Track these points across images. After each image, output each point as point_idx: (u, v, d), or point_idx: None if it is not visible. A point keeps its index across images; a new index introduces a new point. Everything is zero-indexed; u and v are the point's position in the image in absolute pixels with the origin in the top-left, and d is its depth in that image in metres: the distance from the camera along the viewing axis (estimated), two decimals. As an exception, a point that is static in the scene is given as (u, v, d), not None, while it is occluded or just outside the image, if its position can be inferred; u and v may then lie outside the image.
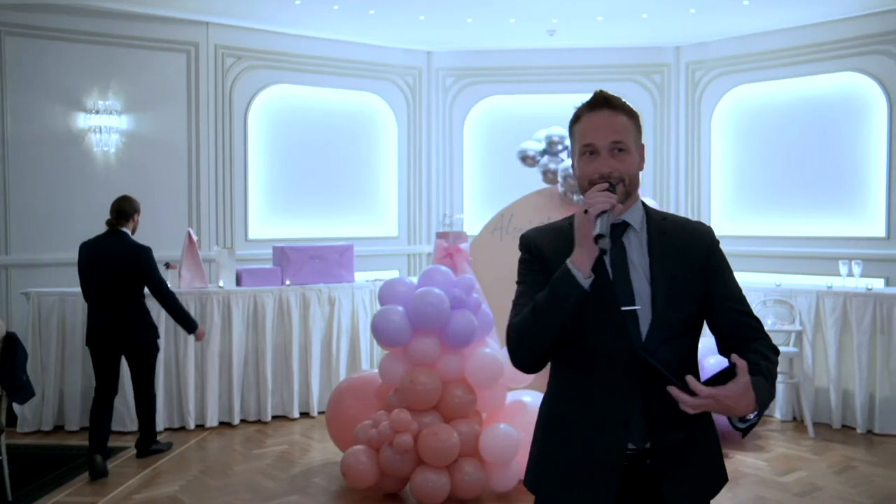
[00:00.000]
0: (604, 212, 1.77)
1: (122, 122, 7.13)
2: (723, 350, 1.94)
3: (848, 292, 6.00)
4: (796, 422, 6.20)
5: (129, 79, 7.16)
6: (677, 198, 8.41)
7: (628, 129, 1.92)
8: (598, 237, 1.76)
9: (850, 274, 6.14)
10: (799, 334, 6.08)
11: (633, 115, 1.95)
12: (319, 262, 6.65)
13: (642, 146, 1.99)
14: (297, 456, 5.50)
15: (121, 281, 5.08)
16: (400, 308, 4.66)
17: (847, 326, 6.00)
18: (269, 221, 7.96)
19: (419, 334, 4.59)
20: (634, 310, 1.86)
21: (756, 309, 6.08)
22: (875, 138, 7.22)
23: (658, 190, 8.45)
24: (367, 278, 7.07)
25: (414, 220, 8.71)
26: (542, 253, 1.94)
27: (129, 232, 5.24)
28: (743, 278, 7.15)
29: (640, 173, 1.98)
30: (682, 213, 8.33)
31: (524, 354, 1.89)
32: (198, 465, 5.26)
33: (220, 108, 7.57)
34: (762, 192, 7.88)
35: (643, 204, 2.00)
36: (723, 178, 8.18)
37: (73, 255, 5.24)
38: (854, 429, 5.97)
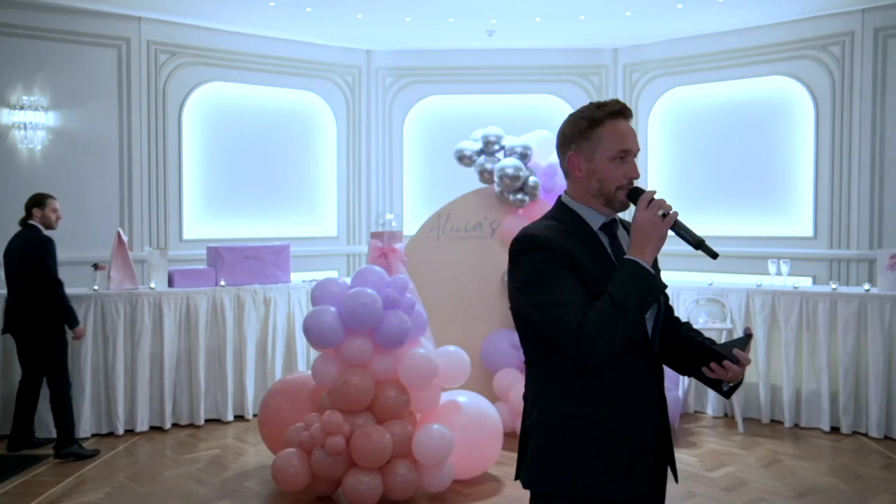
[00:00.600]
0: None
1: (48, 118, 6.91)
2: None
3: (776, 291, 6.15)
4: (727, 418, 6.33)
5: (57, 74, 6.95)
6: (615, 198, 8.50)
7: None
8: (701, 242, 1.98)
9: (779, 273, 6.29)
10: (730, 332, 6.20)
11: None
12: (255, 263, 6.55)
13: None
14: (230, 460, 5.40)
15: (25, 270, 5.34)
16: (332, 309, 4.61)
17: (775, 324, 6.15)
18: (204, 221, 7.81)
19: (352, 335, 4.55)
20: None
21: (689, 307, 6.22)
22: (803, 141, 7.42)
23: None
24: (304, 279, 6.99)
25: (353, 221, 8.65)
26: (566, 250, 1.96)
27: (38, 225, 5.47)
28: (678, 277, 7.33)
29: None
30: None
31: (609, 349, 1.89)
32: (125, 472, 5.12)
33: (154, 105, 7.40)
34: (697, 193, 8.04)
35: None
36: (660, 179, 8.31)
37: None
38: (782, 423, 6.12)
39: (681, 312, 6.41)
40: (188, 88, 7.60)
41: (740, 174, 7.75)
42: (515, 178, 5.79)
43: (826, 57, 7.21)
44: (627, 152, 2.03)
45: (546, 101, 8.51)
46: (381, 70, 8.66)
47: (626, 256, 1.95)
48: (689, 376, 2.25)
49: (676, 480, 2.21)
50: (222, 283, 6.39)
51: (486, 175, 5.98)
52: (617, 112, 2.04)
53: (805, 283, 7.10)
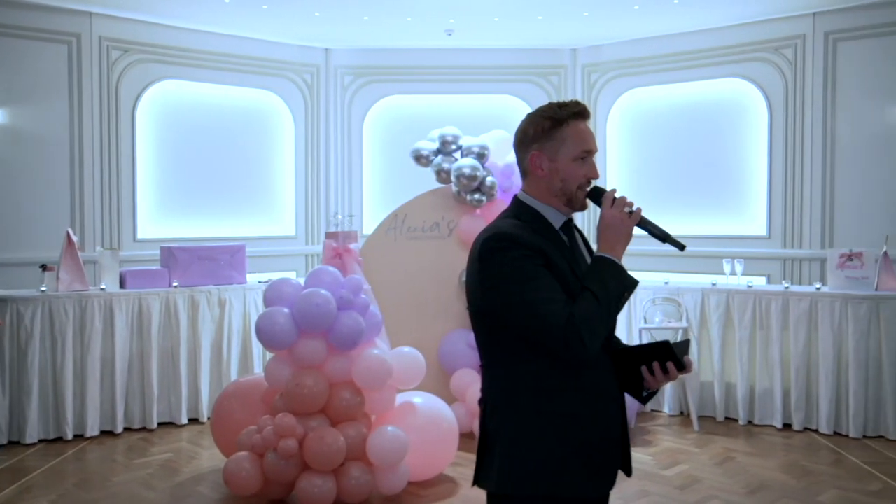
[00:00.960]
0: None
1: (-3, 115, 6.74)
2: None
3: (731, 290, 6.22)
4: (683, 416, 6.39)
5: (5, 70, 6.77)
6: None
7: None
8: (668, 236, 2.04)
9: (734, 272, 6.36)
10: (685, 331, 6.26)
11: None
12: (209, 263, 6.45)
13: None
14: (182, 464, 5.31)
15: None
16: (285, 310, 4.55)
17: (730, 322, 6.22)
18: (159, 221, 7.68)
19: (305, 336, 4.49)
20: None
21: (645, 307, 6.26)
22: (757, 142, 7.53)
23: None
24: (261, 279, 6.90)
25: (311, 220, 8.57)
26: (539, 247, 1.98)
27: None
28: (634, 277, 7.37)
29: None
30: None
31: (597, 345, 1.93)
32: (73, 478, 5.00)
33: (106, 102, 7.25)
34: (654, 193, 8.10)
35: None
36: (619, 179, 8.36)
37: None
38: (736, 420, 6.19)
39: (637, 312, 6.47)
40: (142, 86, 7.46)
41: (697, 175, 7.84)
42: (472, 177, 5.78)
43: (779, 59, 7.32)
44: (589, 152, 2.08)
45: (505, 101, 8.52)
46: (340, 69, 8.60)
47: (599, 254, 2.00)
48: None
49: (629, 474, 2.21)
50: (175, 284, 6.28)
51: (443, 175, 5.96)
52: (579, 113, 2.09)
53: (759, 282, 7.20)
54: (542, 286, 1.93)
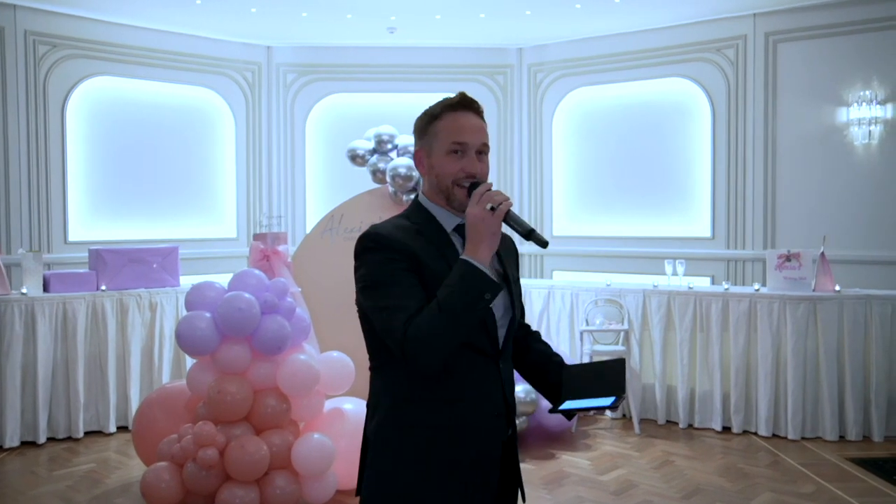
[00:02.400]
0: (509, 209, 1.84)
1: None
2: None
3: (672, 291, 6.17)
4: (625, 419, 6.33)
5: (-77, 64, 6.48)
6: (521, 198, 8.47)
7: (488, 140, 2.01)
8: (532, 231, 1.85)
9: (675, 273, 6.32)
10: (626, 333, 6.20)
11: (485, 123, 2.03)
12: (140, 266, 6.22)
13: None
14: (105, 475, 5.09)
15: None
16: (207, 314, 4.38)
17: (671, 324, 6.18)
18: (92, 223, 7.42)
19: (228, 341, 4.32)
20: (491, 307, 1.90)
21: (587, 309, 6.19)
22: (701, 142, 7.52)
23: (502, 190, 8.46)
24: (195, 282, 6.67)
25: (253, 221, 8.36)
26: (410, 250, 1.85)
27: None
28: (576, 278, 7.32)
29: None
30: (525, 214, 8.41)
31: (435, 358, 1.78)
32: (-14, 491, 4.77)
33: (33, 99, 6.97)
34: (599, 194, 8.06)
35: None
36: (564, 179, 8.30)
37: None
38: (677, 424, 6.15)
39: (578, 314, 6.39)
40: (72, 83, 7.19)
41: (641, 175, 7.81)
42: (408, 177, 5.65)
43: (721, 60, 7.32)
44: (462, 145, 1.94)
45: (452, 100, 8.39)
46: (283, 67, 8.41)
47: (461, 257, 1.83)
48: (532, 386, 2.16)
49: (524, 500, 2.10)
50: (103, 287, 6.05)
51: (378, 175, 5.82)
52: (456, 104, 1.97)
53: (704, 283, 7.19)
54: (396, 293, 1.82)
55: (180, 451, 4.23)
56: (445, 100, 1.99)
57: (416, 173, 5.68)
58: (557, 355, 2.12)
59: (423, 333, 1.75)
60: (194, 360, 6.31)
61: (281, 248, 5.07)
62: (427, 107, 2.04)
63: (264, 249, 5.09)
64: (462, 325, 1.78)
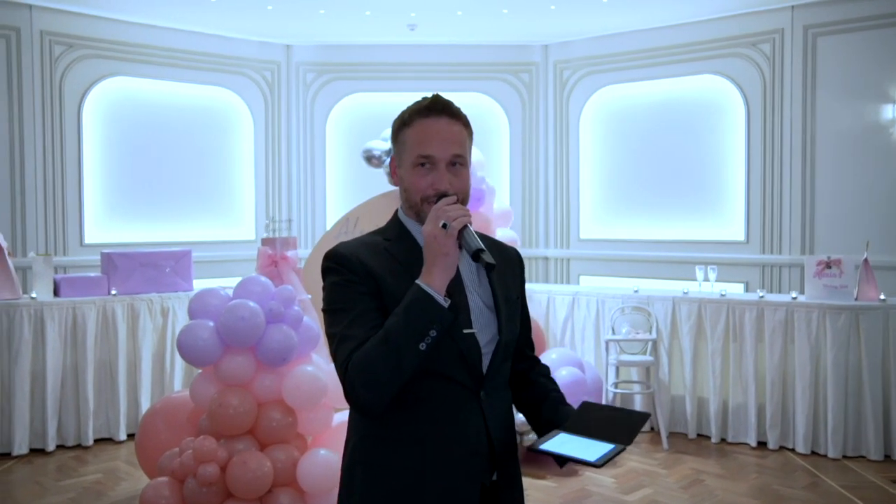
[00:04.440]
0: (465, 226, 1.61)
1: (-73, 113, 6.37)
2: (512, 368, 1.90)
3: (703, 298, 5.86)
4: (654, 433, 6.02)
5: (-63, 65, 6.41)
6: (546, 200, 8.20)
7: (466, 141, 1.76)
8: (479, 252, 1.59)
9: (706, 279, 6.01)
10: (654, 343, 5.90)
11: (468, 126, 1.79)
12: (151, 270, 6.07)
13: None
14: (109, 486, 4.94)
15: None
16: (209, 323, 4.18)
17: (702, 333, 5.86)
18: (109, 226, 7.31)
19: (231, 352, 4.13)
20: (473, 332, 1.70)
21: (613, 316, 5.91)
22: (735, 142, 7.18)
23: (527, 192, 8.22)
24: (210, 286, 6.52)
25: (290, 226, 8.19)
26: (370, 272, 1.64)
27: None
28: (602, 284, 7.02)
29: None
30: (550, 217, 8.15)
31: (376, 396, 1.58)
32: (-13, 503, 4.64)
33: (49, 100, 6.88)
34: (627, 195, 7.76)
35: None
36: (591, 180, 8.02)
37: None
38: (709, 438, 5.84)
39: (604, 322, 6.11)
40: (88, 83, 7.09)
41: (671, 176, 7.49)
42: (425, 179, 5.41)
43: (756, 55, 6.98)
44: (429, 158, 1.70)
45: (476, 99, 8.17)
46: (302, 66, 8.24)
47: (416, 280, 1.60)
48: (527, 421, 1.92)
49: None
50: (114, 291, 5.91)
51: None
52: (425, 109, 1.72)
53: (737, 289, 6.86)
54: (346, 321, 1.62)
55: (180, 467, 4.04)
56: (417, 103, 1.76)
57: (433, 175, 5.45)
58: (558, 391, 1.89)
59: (363, 367, 1.56)
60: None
61: (290, 253, 4.87)
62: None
63: (272, 255, 4.90)
64: (407, 359, 1.56)
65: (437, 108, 1.72)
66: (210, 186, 7.89)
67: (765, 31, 6.93)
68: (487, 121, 8.17)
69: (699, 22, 7.20)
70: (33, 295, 5.70)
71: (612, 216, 7.87)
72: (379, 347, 1.56)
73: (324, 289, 1.72)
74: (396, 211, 1.83)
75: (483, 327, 1.72)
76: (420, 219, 1.72)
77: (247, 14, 7.03)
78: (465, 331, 1.69)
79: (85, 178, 7.14)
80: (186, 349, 4.18)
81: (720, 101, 7.25)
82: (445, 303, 1.58)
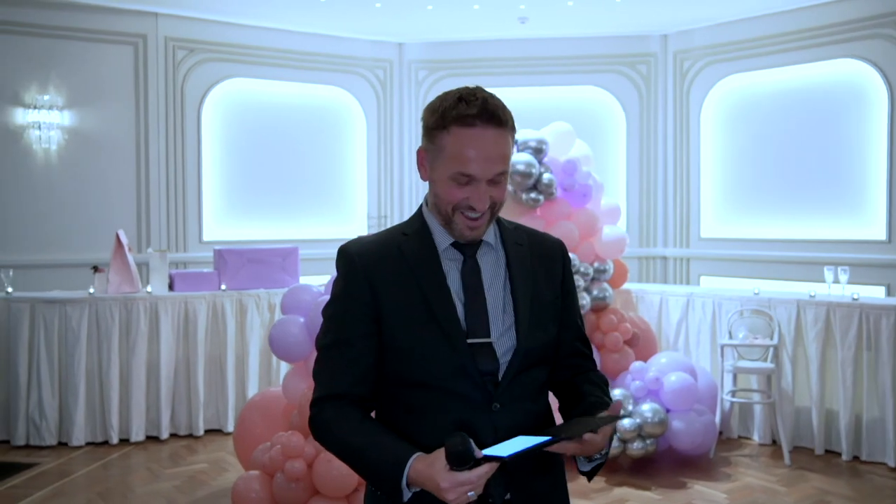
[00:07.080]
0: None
1: (63, 117, 6.79)
2: (553, 376, 1.73)
3: (832, 302, 5.35)
4: (774, 446, 5.56)
5: (72, 72, 6.83)
6: (665, 197, 7.81)
7: (511, 150, 1.59)
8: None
9: (836, 281, 5.50)
10: (776, 349, 5.44)
11: (514, 128, 1.59)
12: (259, 266, 6.21)
13: None
14: (211, 476, 5.06)
15: None
16: (301, 319, 4.21)
17: (830, 340, 5.35)
18: (226, 223, 7.57)
19: (320, 347, 4.12)
20: (481, 342, 1.56)
21: (731, 320, 5.51)
22: (874, 131, 6.55)
23: (644, 189, 7.85)
24: (320, 283, 6.61)
25: (386, 222, 8.25)
26: (371, 282, 1.57)
27: None
28: (720, 285, 6.57)
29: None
30: (669, 215, 7.75)
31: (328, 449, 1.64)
32: (101, 485, 4.85)
33: (171, 103, 7.20)
34: (751, 192, 7.26)
35: None
36: (713, 176, 7.56)
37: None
38: (839, 455, 5.32)
39: (721, 325, 5.70)
40: (207, 85, 7.37)
41: (801, 170, 6.93)
42: (527, 175, 5.24)
43: (900, 35, 6.33)
44: (470, 178, 1.52)
45: (591, 92, 7.88)
46: (414, 63, 8.23)
47: (410, 457, 1.47)
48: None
49: None
50: (223, 287, 6.08)
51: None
52: (466, 117, 1.50)
53: (877, 293, 6.25)
54: (332, 343, 1.60)
55: (269, 461, 4.06)
56: (460, 104, 1.53)
57: (535, 170, 5.27)
58: (597, 396, 1.66)
59: (323, 439, 1.60)
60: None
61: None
62: (446, 92, 1.61)
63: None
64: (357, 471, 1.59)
65: (484, 117, 1.51)
66: (323, 184, 8.02)
67: (911, 9, 6.28)
68: (602, 115, 7.86)
69: (833, 2, 6.61)
70: (149, 289, 5.95)
71: (736, 214, 7.37)
72: (341, 448, 1.57)
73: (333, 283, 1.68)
74: (421, 205, 1.69)
75: (502, 333, 1.57)
76: (447, 225, 1.60)
77: (356, 13, 7.09)
78: (470, 340, 1.55)
79: (204, 177, 7.42)
80: (277, 344, 4.22)
81: (858, 88, 6.62)
82: (410, 492, 1.48)
